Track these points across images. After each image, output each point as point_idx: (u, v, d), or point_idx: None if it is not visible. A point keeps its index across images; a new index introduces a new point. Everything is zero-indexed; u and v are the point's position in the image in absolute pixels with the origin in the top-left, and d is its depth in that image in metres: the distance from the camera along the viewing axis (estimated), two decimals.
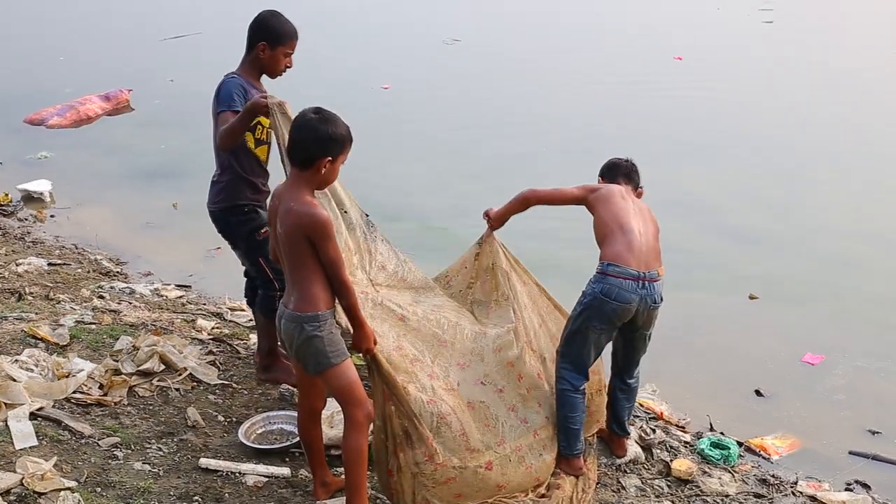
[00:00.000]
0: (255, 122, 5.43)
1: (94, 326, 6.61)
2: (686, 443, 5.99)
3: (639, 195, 5.53)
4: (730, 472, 5.70)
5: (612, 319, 5.07)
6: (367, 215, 5.52)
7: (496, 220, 5.73)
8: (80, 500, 4.43)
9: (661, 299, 5.13)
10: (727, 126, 13.91)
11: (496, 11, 23.07)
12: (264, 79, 5.70)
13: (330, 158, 4.17)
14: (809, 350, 7.45)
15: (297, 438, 5.13)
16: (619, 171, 5.55)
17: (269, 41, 5.48)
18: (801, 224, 10.20)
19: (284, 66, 5.60)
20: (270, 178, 5.71)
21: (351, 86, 15.50)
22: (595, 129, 13.34)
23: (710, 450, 5.84)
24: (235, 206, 5.64)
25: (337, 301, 4.32)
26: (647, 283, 5.01)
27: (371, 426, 4.55)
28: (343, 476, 4.75)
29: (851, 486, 5.90)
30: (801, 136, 13.45)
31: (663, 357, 7.02)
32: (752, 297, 8.42)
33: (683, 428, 6.25)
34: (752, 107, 15.01)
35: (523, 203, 5.59)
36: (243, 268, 6.02)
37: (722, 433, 6.21)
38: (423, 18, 22.33)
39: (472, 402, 5.02)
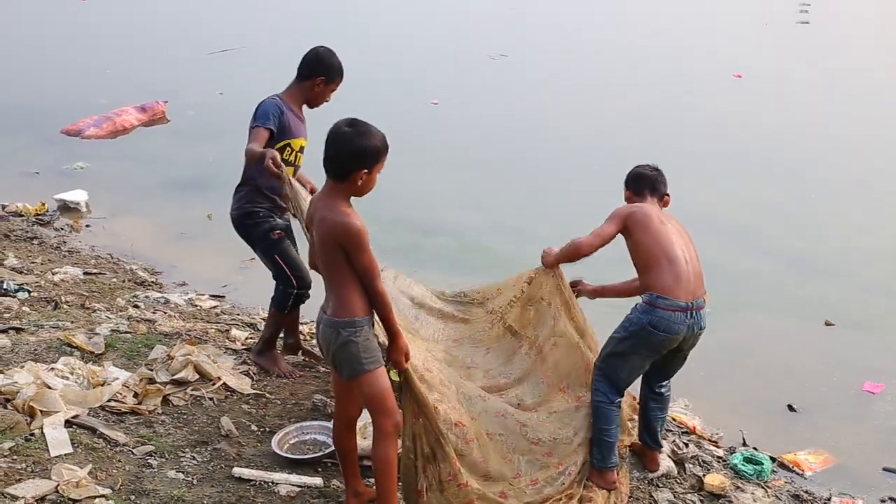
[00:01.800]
0: (283, 143, 5.76)
1: (129, 335, 6.66)
2: (719, 457, 5.96)
3: (665, 203, 5.50)
4: (763, 487, 5.67)
5: (658, 348, 5.05)
6: None
7: (548, 265, 5.69)
8: None
9: (706, 324, 5.11)
10: (784, 146, 13.69)
11: (544, 26, 22.91)
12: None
13: (366, 170, 4.16)
14: (870, 378, 7.36)
15: (330, 449, 5.16)
16: (646, 184, 5.47)
17: (327, 77, 5.85)
18: (855, 246, 10.03)
19: (326, 100, 5.95)
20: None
21: (401, 101, 15.52)
22: (646, 148, 12.91)
23: (743, 465, 5.80)
24: (251, 213, 5.98)
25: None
26: (694, 312, 4.99)
27: (400, 445, 4.57)
28: (374, 487, 4.77)
29: (885, 503, 5.86)
30: (853, 155, 13.25)
31: (717, 375, 7.10)
32: (828, 324, 8.24)
33: (716, 443, 6.22)
34: (818, 127, 14.72)
35: (573, 257, 5.47)
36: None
37: (755, 448, 6.18)
38: (468, 33, 22.18)
39: (492, 433, 5.10)
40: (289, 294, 6.09)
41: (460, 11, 25.35)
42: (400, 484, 4.64)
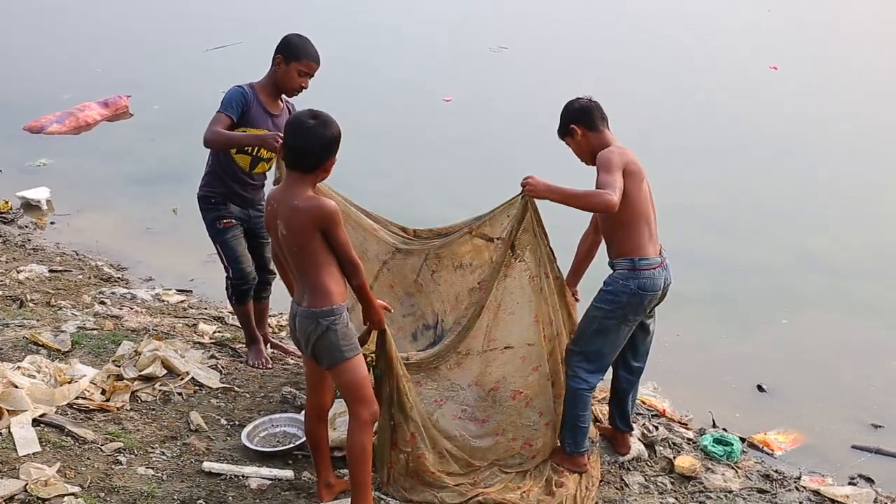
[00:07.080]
0: (241, 129, 5.72)
1: (95, 332, 6.61)
2: (689, 439, 5.99)
3: None
4: (733, 468, 5.71)
5: (646, 310, 5.04)
6: None
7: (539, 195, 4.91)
8: None
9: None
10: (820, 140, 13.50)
11: (540, 17, 22.40)
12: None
13: (335, 158, 4.26)
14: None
15: (301, 441, 5.16)
16: (596, 113, 5.05)
17: (285, 55, 5.73)
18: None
19: (299, 86, 5.80)
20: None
21: (412, 99, 15.43)
22: (668, 145, 12.28)
23: (713, 446, 5.84)
24: (205, 197, 6.03)
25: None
26: (665, 263, 5.02)
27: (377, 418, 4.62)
28: (346, 478, 4.77)
29: (855, 480, 5.92)
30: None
31: (685, 358, 7.17)
32: None
33: (686, 425, 6.25)
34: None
35: (580, 205, 4.84)
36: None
37: (725, 429, 6.22)
38: (465, 26, 21.53)
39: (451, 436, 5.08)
40: (227, 284, 6.14)
41: (452, 5, 25.04)
42: (375, 440, 4.69)
